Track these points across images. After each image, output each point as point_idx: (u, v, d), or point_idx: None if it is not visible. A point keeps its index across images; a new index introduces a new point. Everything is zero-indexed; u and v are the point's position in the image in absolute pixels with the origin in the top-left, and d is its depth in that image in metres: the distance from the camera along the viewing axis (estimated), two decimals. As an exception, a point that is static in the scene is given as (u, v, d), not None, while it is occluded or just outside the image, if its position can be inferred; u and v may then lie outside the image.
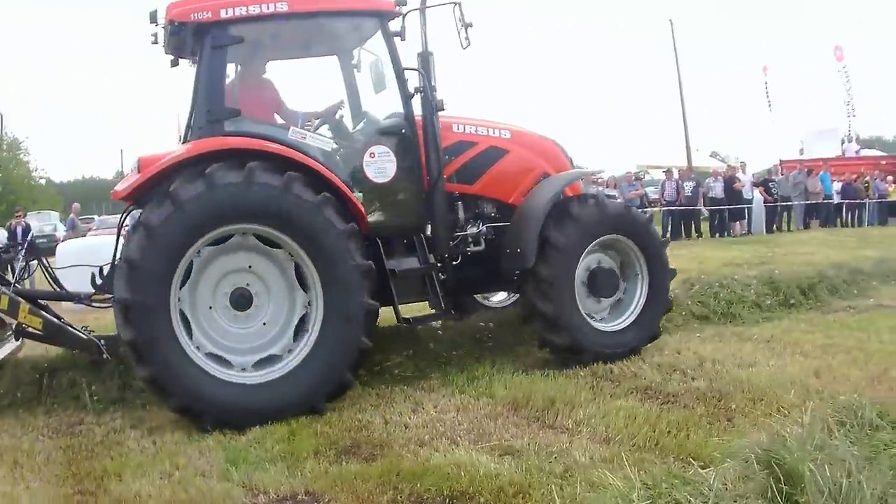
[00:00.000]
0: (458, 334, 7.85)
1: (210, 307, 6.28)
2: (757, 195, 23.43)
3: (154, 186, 6.18)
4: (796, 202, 24.58)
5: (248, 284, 6.35)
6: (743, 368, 6.81)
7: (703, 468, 3.78)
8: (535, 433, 5.27)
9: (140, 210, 6.34)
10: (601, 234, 7.35)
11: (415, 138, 7.06)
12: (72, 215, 24.65)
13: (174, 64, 7.26)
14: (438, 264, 7.17)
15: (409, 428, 5.56)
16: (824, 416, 4.25)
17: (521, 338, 7.91)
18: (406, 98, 7.06)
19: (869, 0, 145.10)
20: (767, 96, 33.68)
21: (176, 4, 6.61)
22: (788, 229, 23.91)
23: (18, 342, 7.40)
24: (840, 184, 26.00)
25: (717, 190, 23.28)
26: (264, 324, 6.38)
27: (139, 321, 5.85)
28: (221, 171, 5.99)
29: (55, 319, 6.97)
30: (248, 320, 6.37)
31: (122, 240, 6.68)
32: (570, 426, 5.40)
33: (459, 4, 6.92)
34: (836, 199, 25.77)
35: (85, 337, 6.96)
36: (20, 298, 6.80)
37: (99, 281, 6.98)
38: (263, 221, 6.14)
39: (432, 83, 7.05)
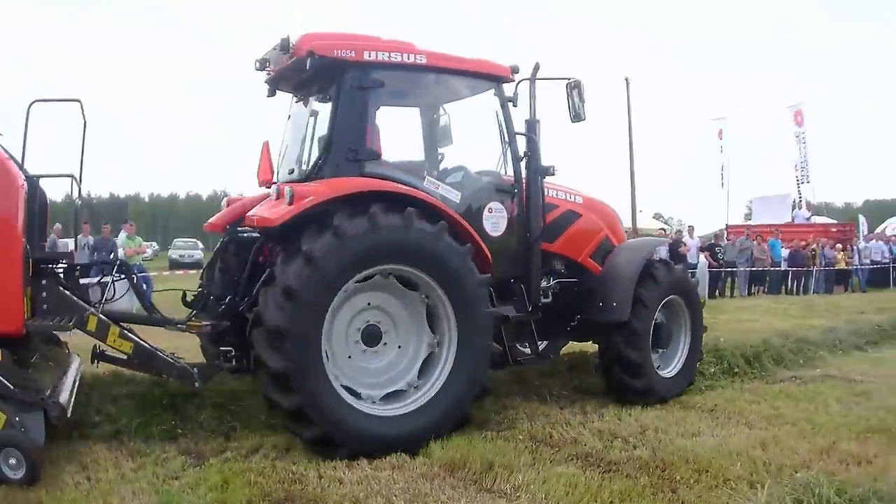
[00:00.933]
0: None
1: (345, 342, 6.65)
2: (702, 259, 23.42)
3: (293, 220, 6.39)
4: (741, 268, 24.48)
5: (379, 322, 6.80)
6: (686, 438, 6.71)
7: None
8: (471, 497, 5.14)
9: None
10: (669, 295, 8.54)
11: (522, 198, 7.75)
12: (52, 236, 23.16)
13: (271, 94, 7.86)
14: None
15: (344, 484, 5.43)
16: (780, 495, 4.25)
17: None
18: (516, 160, 7.74)
19: (825, 63, 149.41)
20: (722, 170, 33.30)
21: (316, 36, 6.98)
22: (731, 295, 23.86)
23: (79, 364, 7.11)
24: (787, 251, 26.01)
25: (662, 253, 23.14)
26: (391, 361, 6.87)
27: (293, 349, 6.09)
28: (383, 211, 6.37)
29: (146, 344, 6.76)
30: (377, 357, 6.82)
31: (218, 265, 7.53)
32: (509, 491, 5.26)
33: (574, 82, 7.74)
34: (783, 266, 25.93)
35: (177, 364, 6.80)
36: (110, 321, 6.58)
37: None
38: (416, 263, 6.60)
39: (539, 148, 7.77)
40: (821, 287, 25.41)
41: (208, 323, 6.88)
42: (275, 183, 7.38)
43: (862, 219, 37.06)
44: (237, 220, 7.68)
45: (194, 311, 7.26)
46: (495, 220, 7.60)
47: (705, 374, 9.45)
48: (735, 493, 4.88)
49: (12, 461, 5.51)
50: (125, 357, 6.67)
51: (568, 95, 7.79)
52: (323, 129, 7.29)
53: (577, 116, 7.81)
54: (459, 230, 6.94)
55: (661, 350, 8.66)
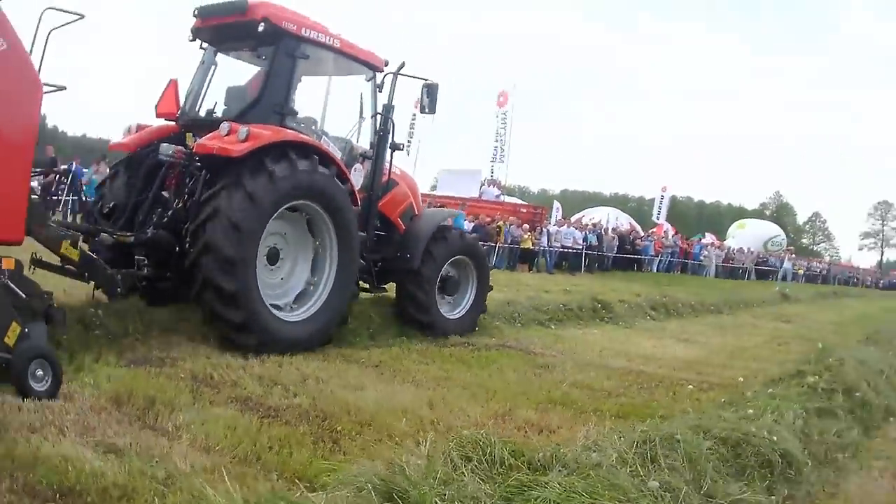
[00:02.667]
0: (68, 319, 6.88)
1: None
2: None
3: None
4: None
5: (276, 244, 8.34)
6: (349, 391, 6.54)
7: (309, 491, 3.69)
8: (136, 433, 4.94)
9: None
10: (458, 255, 10.68)
11: (374, 163, 9.74)
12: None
13: (193, 40, 9.08)
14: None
15: (22, 412, 5.07)
16: (446, 450, 4.06)
17: (127, 329, 7.38)
18: (375, 133, 9.79)
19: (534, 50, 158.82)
20: (409, 138, 33.69)
21: (266, 6, 8.43)
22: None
23: None
24: (471, 225, 25.26)
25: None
26: (289, 271, 8.57)
27: (242, 273, 7.46)
28: (299, 158, 7.95)
29: (90, 255, 7.36)
30: (279, 271, 8.48)
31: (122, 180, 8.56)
32: (171, 430, 5.11)
33: (427, 85, 10.06)
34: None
35: (108, 272, 7.43)
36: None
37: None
38: (317, 199, 8.27)
39: (392, 128, 9.85)
40: (503, 263, 25.50)
41: (131, 234, 7.81)
42: (173, 117, 8.86)
43: (556, 204, 40.06)
44: (148, 144, 8.60)
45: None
46: (358, 176, 9.37)
47: (370, 330, 9.56)
48: (399, 448, 4.75)
49: (39, 372, 5.48)
50: (70, 265, 7.15)
51: (421, 93, 10.17)
52: (234, 80, 9.22)
53: (424, 109, 10.38)
54: (342, 177, 8.60)
55: (448, 297, 10.81)
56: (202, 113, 8.94)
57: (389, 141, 9.84)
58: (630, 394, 7.89)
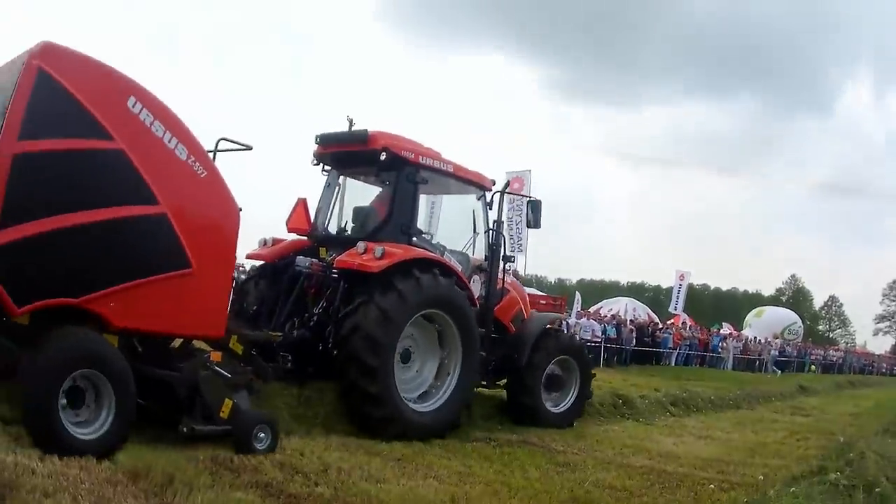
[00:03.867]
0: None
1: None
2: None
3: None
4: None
5: (410, 346, 9.40)
6: (371, 483, 6.52)
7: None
8: None
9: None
10: (562, 354, 11.64)
11: (490, 274, 10.67)
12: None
13: (317, 164, 10.26)
14: None
15: (36, 475, 5.14)
16: None
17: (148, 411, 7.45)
18: (489, 247, 10.77)
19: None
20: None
21: (386, 137, 9.60)
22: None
23: None
24: None
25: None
26: (418, 371, 9.61)
27: (384, 353, 8.59)
28: (432, 273, 9.07)
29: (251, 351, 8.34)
30: (409, 370, 9.48)
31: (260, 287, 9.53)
32: None
33: (531, 202, 11.28)
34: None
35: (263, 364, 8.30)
36: None
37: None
38: (442, 307, 9.31)
39: (504, 242, 10.86)
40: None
41: (281, 334, 8.66)
42: (306, 233, 10.00)
43: (577, 296, 40.10)
44: (284, 255, 9.61)
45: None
46: (476, 286, 10.32)
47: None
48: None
49: (262, 435, 7.02)
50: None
51: (526, 208, 11.50)
52: (359, 200, 10.28)
53: (530, 224, 11.40)
54: (464, 287, 9.70)
55: (553, 394, 11.69)
56: (332, 229, 10.26)
57: (501, 254, 10.84)
58: (652, 494, 7.81)
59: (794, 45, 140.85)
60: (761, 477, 9.01)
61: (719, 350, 37.32)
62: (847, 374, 48.40)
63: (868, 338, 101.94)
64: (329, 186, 10.37)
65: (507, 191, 11.00)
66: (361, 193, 10.54)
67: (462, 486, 7.05)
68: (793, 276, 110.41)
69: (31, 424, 5.87)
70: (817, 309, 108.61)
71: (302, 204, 10.13)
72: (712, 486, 8.45)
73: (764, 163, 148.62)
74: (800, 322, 59.99)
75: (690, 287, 51.83)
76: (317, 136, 10.12)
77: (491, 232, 10.78)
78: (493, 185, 10.84)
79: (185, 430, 6.85)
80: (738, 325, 54.79)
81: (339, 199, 10.40)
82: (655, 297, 75.44)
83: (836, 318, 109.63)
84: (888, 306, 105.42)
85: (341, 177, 10.44)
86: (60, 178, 6.07)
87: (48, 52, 6.08)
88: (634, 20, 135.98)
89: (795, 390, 26.62)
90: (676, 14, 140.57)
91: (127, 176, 6.36)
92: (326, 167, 10.32)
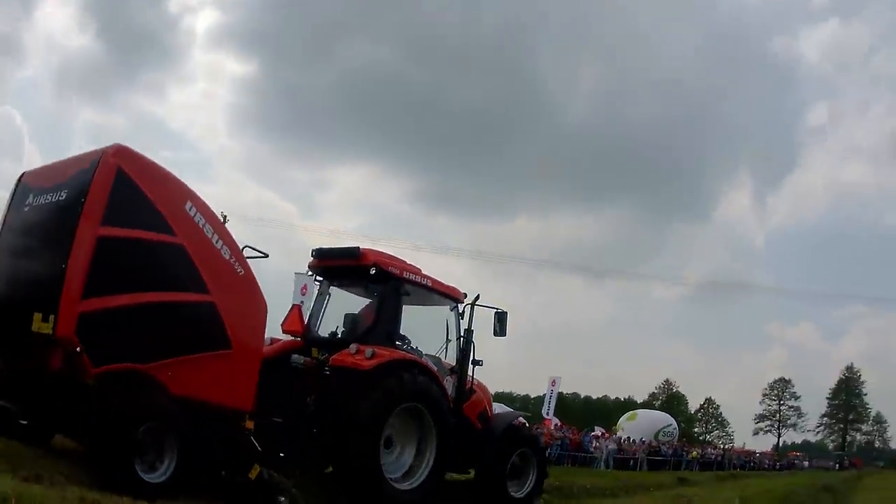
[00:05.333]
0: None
1: None
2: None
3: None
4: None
5: (391, 434, 10.23)
6: None
7: None
8: None
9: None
10: (522, 447, 12.67)
11: (460, 376, 11.73)
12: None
13: (311, 275, 11.71)
14: None
15: None
16: None
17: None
18: (459, 351, 11.82)
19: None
20: None
21: (375, 254, 10.91)
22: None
23: None
24: None
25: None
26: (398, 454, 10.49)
27: (369, 460, 9.52)
28: (409, 372, 10.15)
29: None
30: (391, 454, 10.35)
31: None
32: None
33: (498, 313, 12.25)
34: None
35: None
36: None
37: None
38: (421, 400, 10.32)
39: (472, 349, 11.86)
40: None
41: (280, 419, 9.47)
42: (300, 334, 10.92)
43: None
44: (280, 353, 10.33)
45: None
46: (448, 385, 11.38)
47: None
48: None
49: (281, 499, 8.28)
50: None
51: (494, 319, 12.34)
52: (346, 307, 11.40)
53: (496, 332, 12.36)
54: (439, 384, 10.80)
55: (515, 481, 12.54)
56: (324, 333, 11.30)
57: (471, 358, 11.94)
58: None
59: (672, 151, 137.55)
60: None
61: (591, 450, 36.78)
62: (728, 469, 47.70)
63: (748, 438, 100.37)
64: (321, 294, 11.65)
65: (477, 303, 12.24)
66: (345, 302, 11.70)
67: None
68: (666, 380, 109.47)
69: (108, 469, 6.68)
70: (693, 412, 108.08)
71: (296, 309, 11.24)
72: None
73: (639, 269, 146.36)
74: (675, 424, 58.26)
75: (561, 395, 51.52)
76: (313, 251, 11.46)
77: (461, 339, 12.00)
78: (465, 297, 12.17)
79: (225, 475, 7.98)
80: (612, 430, 52.61)
81: (328, 305, 11.59)
82: (524, 407, 74.51)
83: (713, 420, 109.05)
84: (769, 405, 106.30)
85: (332, 287, 11.68)
86: (134, 261, 7.11)
87: (124, 154, 7.26)
88: (508, 131, 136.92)
89: (675, 482, 26.82)
90: (550, 124, 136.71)
91: (186, 267, 7.45)
92: (318, 277, 11.65)
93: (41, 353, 7.10)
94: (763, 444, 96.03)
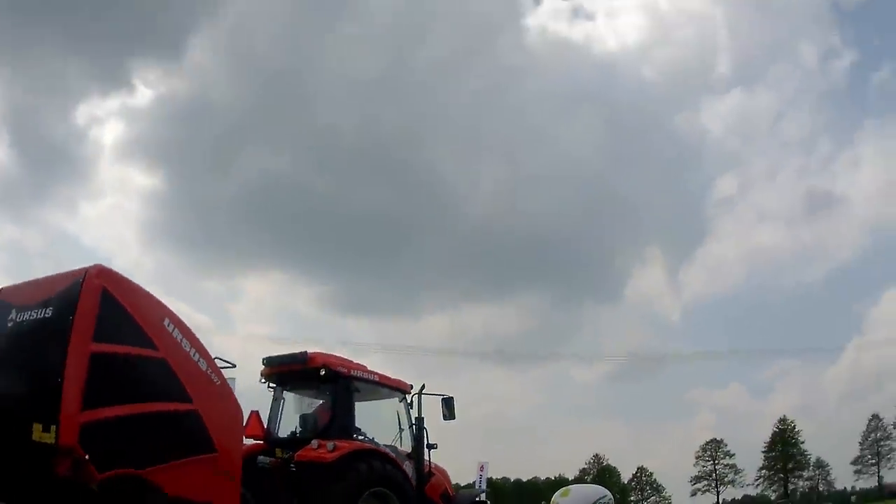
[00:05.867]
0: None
1: None
2: None
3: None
4: None
5: None
6: None
7: None
8: None
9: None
10: None
11: (418, 460, 12.51)
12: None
13: (265, 382, 12.18)
14: None
15: None
16: None
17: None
18: (414, 438, 12.67)
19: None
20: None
21: (322, 356, 11.70)
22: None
23: None
24: None
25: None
26: None
27: None
28: (365, 465, 10.75)
29: None
30: None
31: None
32: None
33: (445, 399, 13.24)
34: None
35: None
36: None
37: None
38: (384, 484, 10.93)
39: (426, 434, 12.68)
40: None
41: None
42: (261, 437, 11.53)
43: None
44: (246, 455, 10.22)
45: None
46: (408, 470, 12.04)
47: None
48: None
49: None
50: None
51: (441, 405, 13.24)
52: (304, 409, 12.30)
53: (445, 417, 13.25)
54: (400, 470, 11.57)
55: None
56: (284, 433, 11.97)
57: (425, 443, 12.70)
58: None
59: (579, 238, 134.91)
60: None
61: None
62: None
63: (685, 500, 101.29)
64: (276, 399, 12.27)
65: (423, 392, 13.12)
66: (297, 404, 12.58)
67: None
68: (595, 455, 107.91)
69: None
70: (626, 482, 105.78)
71: (255, 415, 11.74)
72: None
73: (555, 353, 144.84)
74: (609, 494, 55.97)
75: (490, 480, 50.30)
76: (264, 359, 12.17)
77: (413, 427, 12.81)
78: (411, 388, 13.05)
79: None
80: (545, 508, 52.63)
81: (283, 408, 12.29)
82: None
83: (647, 487, 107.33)
84: (703, 466, 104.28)
85: (285, 392, 12.38)
86: (124, 375, 7.63)
87: (106, 275, 7.86)
88: (413, 230, 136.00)
89: None
90: (454, 220, 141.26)
91: (170, 379, 8.00)
92: (271, 384, 12.26)
93: (43, 461, 7.38)
94: (703, 503, 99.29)
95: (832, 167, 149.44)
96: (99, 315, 7.55)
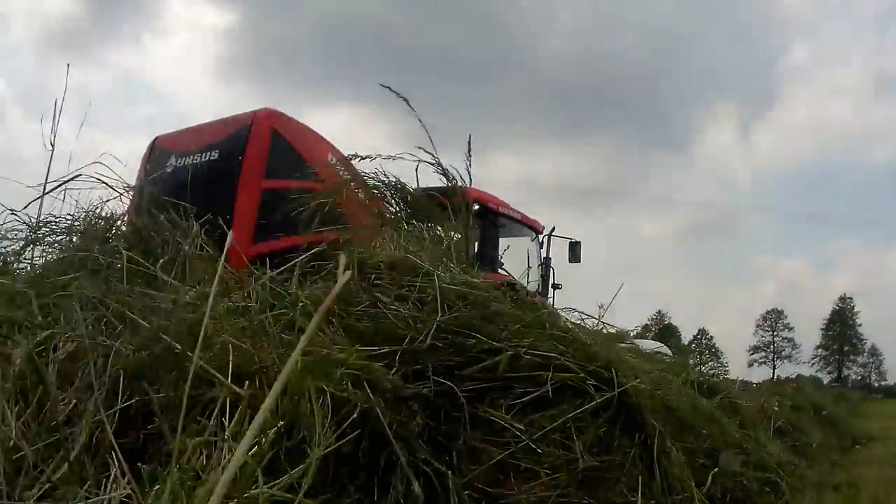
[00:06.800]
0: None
1: None
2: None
3: None
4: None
5: None
6: None
7: None
8: None
9: None
10: None
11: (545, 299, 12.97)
12: None
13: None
14: None
15: None
16: None
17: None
18: (542, 278, 13.61)
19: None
20: None
21: (476, 191, 11.52)
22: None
23: None
24: None
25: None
26: None
27: None
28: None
29: None
30: None
31: None
32: None
33: (572, 243, 14.05)
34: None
35: None
36: None
37: None
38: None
39: (553, 274, 13.78)
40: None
41: None
42: None
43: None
44: None
45: None
46: None
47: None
48: None
49: None
50: None
51: (568, 248, 14.01)
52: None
53: (571, 259, 14.04)
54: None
55: None
56: None
57: (551, 283, 13.65)
58: None
59: (652, 84, 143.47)
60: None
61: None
62: None
63: (742, 370, 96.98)
64: None
65: (553, 234, 13.82)
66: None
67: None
68: (658, 311, 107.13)
69: None
70: (686, 343, 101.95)
71: None
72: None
73: (621, 203, 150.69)
74: (667, 348, 56.55)
75: None
76: (422, 189, 12.47)
77: (541, 266, 13.70)
78: (543, 228, 13.71)
79: None
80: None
81: None
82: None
83: (706, 351, 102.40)
84: (762, 337, 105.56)
85: None
86: (290, 208, 8.06)
87: (274, 117, 8.35)
88: (483, 73, 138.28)
89: None
90: (525, 60, 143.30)
91: (329, 209, 8.44)
92: None
93: None
94: (759, 375, 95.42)
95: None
96: (269, 153, 8.07)
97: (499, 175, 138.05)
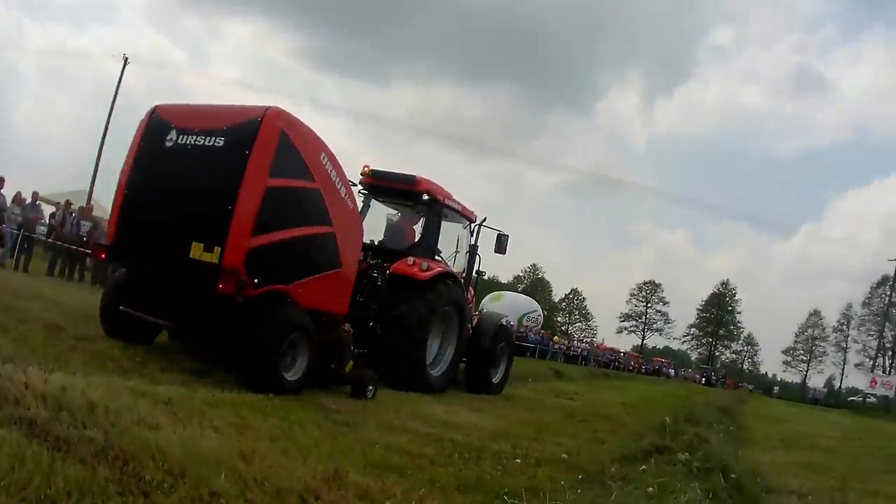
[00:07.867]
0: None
1: None
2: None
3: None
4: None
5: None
6: (145, 428, 5.19)
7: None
8: None
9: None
10: (502, 342, 15.30)
11: (468, 284, 14.32)
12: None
13: (356, 186, 13.03)
14: None
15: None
16: None
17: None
18: (468, 263, 14.56)
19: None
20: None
21: (427, 182, 13.23)
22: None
23: None
24: None
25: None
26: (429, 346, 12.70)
27: (419, 350, 12.15)
28: (445, 287, 12.55)
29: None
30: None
31: None
32: None
33: (500, 235, 14.71)
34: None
35: None
36: None
37: None
38: (453, 305, 12.94)
39: (479, 261, 14.78)
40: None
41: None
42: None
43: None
44: None
45: None
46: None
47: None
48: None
49: (371, 388, 10.16)
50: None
51: (497, 239, 14.67)
52: (380, 218, 13.96)
53: (497, 250, 14.71)
54: (464, 293, 13.54)
55: (493, 369, 15.09)
56: (365, 240, 11.82)
57: (475, 269, 14.67)
58: (455, 463, 7.15)
59: (564, 40, 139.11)
60: (564, 455, 8.51)
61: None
62: (591, 366, 48.89)
63: (610, 335, 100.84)
64: (364, 206, 13.40)
65: (484, 223, 14.66)
66: (379, 214, 14.13)
67: (244, 439, 5.96)
68: (533, 265, 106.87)
69: (256, 372, 8.62)
70: (556, 300, 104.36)
71: None
72: (517, 459, 7.85)
73: (515, 152, 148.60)
74: (540, 311, 55.39)
75: None
76: (371, 171, 13.49)
77: (469, 254, 14.57)
78: (476, 218, 14.56)
79: (334, 368, 10.02)
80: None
81: (366, 216, 13.45)
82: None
83: (576, 311, 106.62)
84: (635, 306, 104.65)
85: (373, 201, 13.81)
86: (287, 204, 8.88)
87: (283, 118, 8.81)
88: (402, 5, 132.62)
89: (551, 374, 28.34)
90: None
91: (320, 207, 9.31)
92: (364, 191, 13.56)
93: (199, 278, 8.30)
94: (625, 343, 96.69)
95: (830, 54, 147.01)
96: (275, 153, 8.54)
97: (394, 102, 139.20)
